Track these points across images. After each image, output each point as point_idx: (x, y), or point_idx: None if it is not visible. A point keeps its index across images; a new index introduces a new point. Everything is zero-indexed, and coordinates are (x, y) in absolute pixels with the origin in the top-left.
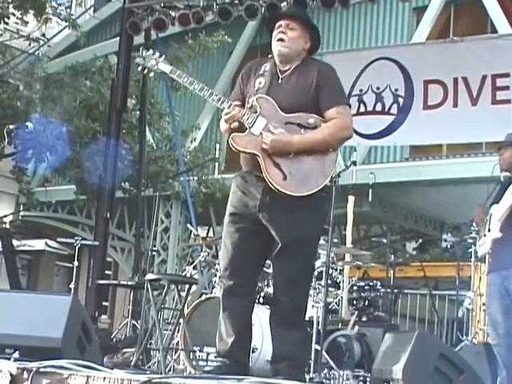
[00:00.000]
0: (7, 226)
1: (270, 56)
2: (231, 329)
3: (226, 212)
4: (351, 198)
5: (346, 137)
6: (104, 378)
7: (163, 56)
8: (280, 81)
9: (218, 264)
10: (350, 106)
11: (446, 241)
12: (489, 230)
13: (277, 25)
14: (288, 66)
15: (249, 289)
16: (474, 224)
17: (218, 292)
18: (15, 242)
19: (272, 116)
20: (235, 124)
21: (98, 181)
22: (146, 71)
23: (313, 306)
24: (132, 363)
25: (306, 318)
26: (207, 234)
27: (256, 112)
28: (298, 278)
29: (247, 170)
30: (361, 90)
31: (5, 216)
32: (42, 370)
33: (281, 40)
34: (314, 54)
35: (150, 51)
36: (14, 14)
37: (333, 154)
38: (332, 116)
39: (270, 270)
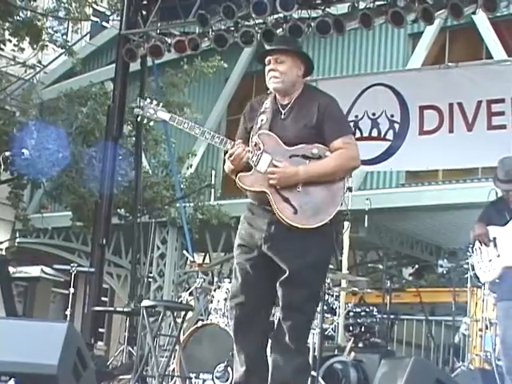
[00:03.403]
0: (3, 252)
1: (268, 92)
2: (244, 360)
3: (235, 243)
4: (347, 224)
5: (354, 166)
6: None
7: (161, 104)
8: (282, 116)
9: (214, 290)
10: (354, 135)
11: (442, 266)
12: (498, 256)
13: (266, 61)
14: (287, 99)
15: (260, 319)
16: (478, 243)
17: (214, 319)
18: (11, 269)
19: (276, 151)
20: (242, 162)
21: (93, 206)
22: (145, 121)
23: None
24: None
25: None
26: (203, 260)
27: (260, 149)
28: (303, 305)
29: (254, 204)
30: (356, 116)
31: (1, 243)
32: None
33: (273, 77)
34: (309, 75)
35: (148, 100)
36: (10, 41)
37: (340, 182)
38: (338, 146)
39: None
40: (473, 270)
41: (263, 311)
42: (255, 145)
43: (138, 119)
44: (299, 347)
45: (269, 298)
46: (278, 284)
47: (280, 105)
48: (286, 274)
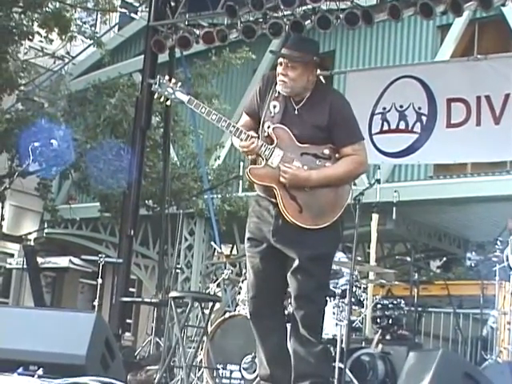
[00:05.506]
0: (32, 243)
1: None
2: (265, 353)
3: (245, 237)
4: (375, 216)
5: (361, 172)
6: None
7: (179, 83)
8: (295, 111)
9: (242, 282)
10: (363, 139)
11: (470, 259)
12: None
13: (279, 61)
14: (299, 97)
15: (273, 311)
16: None
17: (241, 310)
18: (39, 260)
19: (288, 147)
20: (252, 157)
21: (121, 198)
22: (162, 99)
23: (336, 324)
24: (155, 381)
25: (330, 336)
26: (231, 251)
27: (272, 143)
28: (314, 294)
29: (261, 196)
30: (384, 108)
31: (29, 233)
32: None
33: (282, 81)
34: (324, 70)
35: (167, 77)
36: (38, 33)
37: (347, 185)
38: (348, 153)
39: None
40: (507, 260)
41: (277, 303)
42: (267, 136)
43: (155, 96)
44: (314, 336)
45: (281, 290)
46: (288, 275)
47: (293, 100)
48: (296, 265)
